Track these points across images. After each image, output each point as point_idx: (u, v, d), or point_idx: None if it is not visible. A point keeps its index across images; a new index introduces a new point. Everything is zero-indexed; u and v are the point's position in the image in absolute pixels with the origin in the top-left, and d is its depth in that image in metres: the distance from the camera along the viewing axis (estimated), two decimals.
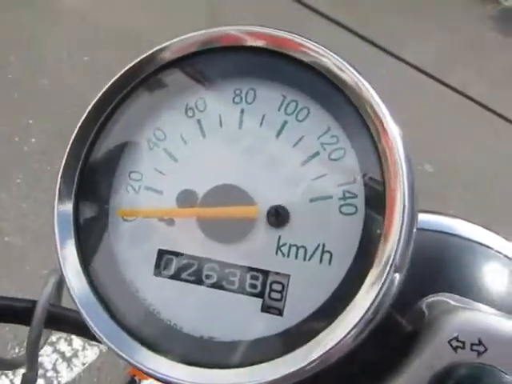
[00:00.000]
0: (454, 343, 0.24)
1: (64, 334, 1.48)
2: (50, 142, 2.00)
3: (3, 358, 0.38)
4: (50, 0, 2.70)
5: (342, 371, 0.25)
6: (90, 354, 1.49)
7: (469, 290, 0.32)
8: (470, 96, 2.72)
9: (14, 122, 2.06)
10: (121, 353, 0.23)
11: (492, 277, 0.35)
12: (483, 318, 0.25)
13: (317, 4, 3.00)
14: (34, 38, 2.41)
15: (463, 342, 0.24)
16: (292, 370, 0.21)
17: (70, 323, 0.39)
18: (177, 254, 0.25)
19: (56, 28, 2.51)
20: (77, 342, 1.49)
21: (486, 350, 0.24)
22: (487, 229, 0.38)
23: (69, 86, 2.21)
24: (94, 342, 1.49)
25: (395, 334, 0.27)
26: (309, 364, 0.21)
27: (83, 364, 1.47)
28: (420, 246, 0.35)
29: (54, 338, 1.46)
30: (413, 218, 0.22)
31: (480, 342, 0.24)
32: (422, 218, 0.38)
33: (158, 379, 0.22)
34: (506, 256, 0.37)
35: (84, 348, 1.49)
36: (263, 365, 0.22)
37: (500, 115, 2.67)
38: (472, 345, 0.24)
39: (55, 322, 0.38)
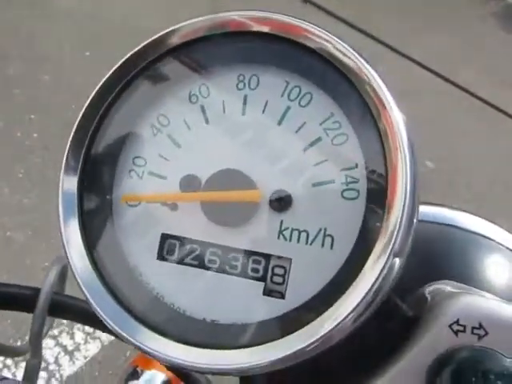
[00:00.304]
0: (455, 327, 0.24)
1: (66, 328, 1.48)
2: (52, 137, 2.01)
3: (7, 346, 0.38)
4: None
5: (344, 354, 0.25)
6: (92, 347, 1.50)
7: (471, 280, 0.33)
8: (472, 92, 2.72)
9: (16, 118, 2.07)
10: (123, 333, 0.23)
11: (494, 268, 0.35)
12: (484, 302, 0.25)
13: (327, 5, 2.99)
14: (34, 35, 2.41)
15: (464, 326, 0.24)
16: (293, 350, 0.22)
17: (73, 311, 0.39)
18: (180, 239, 0.25)
19: (57, 25, 2.51)
20: (79, 335, 1.50)
21: (486, 333, 0.24)
22: (490, 221, 0.39)
23: (70, 81, 2.22)
24: (96, 336, 1.50)
25: (398, 318, 0.27)
26: (309, 345, 0.21)
27: (85, 357, 1.47)
28: (424, 237, 0.35)
29: (56, 332, 1.47)
30: (414, 203, 0.22)
31: (481, 326, 0.24)
32: (427, 210, 0.38)
33: (160, 359, 0.22)
34: (508, 248, 0.37)
35: (86, 341, 1.50)
36: (265, 346, 0.22)
37: (502, 111, 2.66)
38: (473, 328, 0.24)
39: (58, 309, 0.39)
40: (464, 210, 0.39)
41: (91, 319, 0.39)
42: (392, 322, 0.27)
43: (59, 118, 2.06)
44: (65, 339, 1.48)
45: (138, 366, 0.67)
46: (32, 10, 2.51)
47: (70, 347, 1.48)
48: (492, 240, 0.37)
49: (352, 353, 0.26)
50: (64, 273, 0.41)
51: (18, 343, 1.40)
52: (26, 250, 1.66)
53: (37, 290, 0.38)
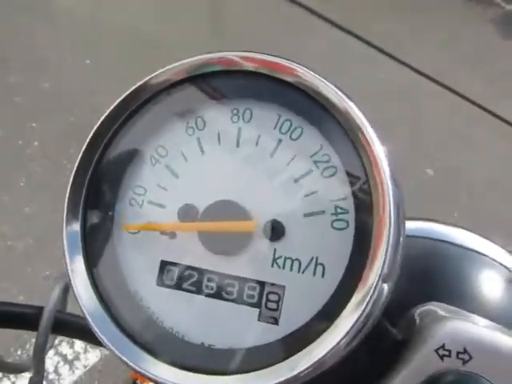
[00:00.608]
0: (441, 352, 0.25)
1: (66, 337, 1.49)
2: (53, 145, 2.03)
3: (11, 363, 0.39)
4: (50, 2, 2.73)
5: (335, 378, 0.26)
6: (92, 356, 1.50)
7: (464, 298, 0.33)
8: (471, 99, 2.74)
9: (17, 126, 2.09)
10: (125, 359, 0.24)
11: (487, 285, 0.36)
12: (469, 327, 0.26)
13: (323, 10, 3.02)
14: (35, 41, 2.43)
15: (449, 351, 0.25)
16: (287, 376, 0.23)
17: (76, 329, 0.40)
18: (178, 265, 0.27)
19: (56, 30, 2.53)
20: (78, 344, 1.50)
21: (471, 358, 0.25)
22: (484, 237, 0.39)
23: (71, 89, 2.24)
24: (95, 345, 1.50)
25: (388, 342, 0.28)
26: (302, 371, 0.23)
27: (85, 367, 1.48)
28: (417, 253, 0.36)
29: (56, 341, 1.47)
30: (399, 233, 0.23)
31: (465, 351, 0.25)
32: (420, 225, 0.39)
33: None
34: (501, 264, 0.38)
35: (86, 351, 1.51)
36: (259, 372, 0.23)
37: (500, 118, 2.68)
38: (458, 353, 0.25)
39: (61, 327, 0.40)
40: (458, 226, 0.40)
41: (94, 337, 0.40)
42: (382, 345, 0.28)
43: (60, 126, 2.08)
44: (64, 348, 1.49)
45: (137, 379, 0.68)
46: (32, 16, 2.53)
47: (69, 356, 1.49)
48: (486, 256, 0.38)
49: (343, 377, 0.27)
50: (66, 290, 0.42)
51: (19, 352, 1.41)
52: (26, 258, 1.67)
53: (40, 309, 0.39)
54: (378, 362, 0.27)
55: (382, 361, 0.27)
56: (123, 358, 0.24)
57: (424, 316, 0.29)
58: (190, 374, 0.24)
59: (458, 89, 2.76)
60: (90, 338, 0.42)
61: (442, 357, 0.25)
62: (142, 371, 0.24)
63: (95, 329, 0.25)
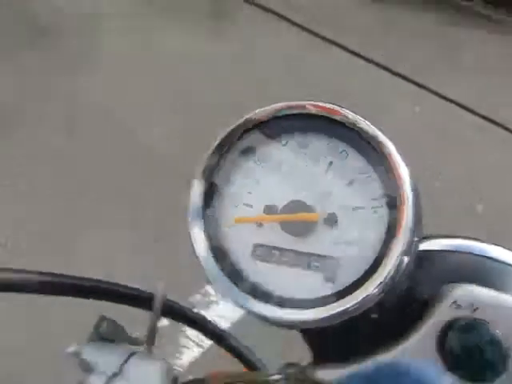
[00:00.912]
0: (454, 305, 0.35)
1: None
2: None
3: (131, 337, 0.52)
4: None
5: (374, 327, 0.37)
6: None
7: None
8: None
9: None
10: (236, 300, 0.38)
11: None
12: (477, 289, 0.36)
13: (349, 43, 3.11)
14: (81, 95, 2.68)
15: (460, 305, 0.35)
16: (342, 309, 0.35)
17: (179, 314, 0.54)
18: (266, 246, 0.39)
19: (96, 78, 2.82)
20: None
21: (477, 308, 0.35)
22: None
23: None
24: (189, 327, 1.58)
25: (415, 304, 0.39)
26: (349, 307, 0.35)
27: None
28: (454, 266, 0.46)
29: None
30: (416, 222, 0.35)
31: (473, 305, 0.35)
32: (459, 242, 0.48)
33: (261, 318, 0.37)
34: None
35: None
36: (325, 307, 0.36)
37: None
38: (468, 305, 0.35)
39: (167, 311, 0.53)
40: (497, 244, 0.48)
41: (192, 321, 0.53)
42: (411, 306, 0.39)
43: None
44: None
45: None
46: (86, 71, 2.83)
47: None
48: None
49: (384, 320, 0.38)
50: None
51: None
52: None
53: (152, 294, 0.52)
54: (409, 317, 0.38)
55: (413, 317, 0.38)
56: (234, 299, 0.37)
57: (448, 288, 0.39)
58: (279, 309, 0.37)
59: (503, 122, 2.75)
60: (188, 321, 0.55)
61: (455, 309, 0.35)
62: (247, 307, 0.37)
63: (212, 280, 0.38)
